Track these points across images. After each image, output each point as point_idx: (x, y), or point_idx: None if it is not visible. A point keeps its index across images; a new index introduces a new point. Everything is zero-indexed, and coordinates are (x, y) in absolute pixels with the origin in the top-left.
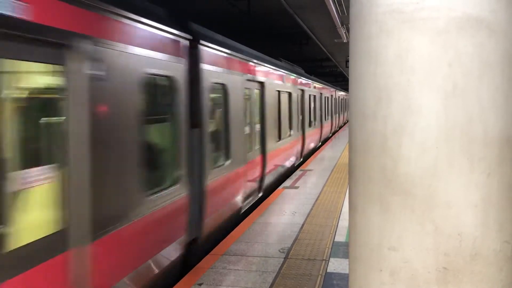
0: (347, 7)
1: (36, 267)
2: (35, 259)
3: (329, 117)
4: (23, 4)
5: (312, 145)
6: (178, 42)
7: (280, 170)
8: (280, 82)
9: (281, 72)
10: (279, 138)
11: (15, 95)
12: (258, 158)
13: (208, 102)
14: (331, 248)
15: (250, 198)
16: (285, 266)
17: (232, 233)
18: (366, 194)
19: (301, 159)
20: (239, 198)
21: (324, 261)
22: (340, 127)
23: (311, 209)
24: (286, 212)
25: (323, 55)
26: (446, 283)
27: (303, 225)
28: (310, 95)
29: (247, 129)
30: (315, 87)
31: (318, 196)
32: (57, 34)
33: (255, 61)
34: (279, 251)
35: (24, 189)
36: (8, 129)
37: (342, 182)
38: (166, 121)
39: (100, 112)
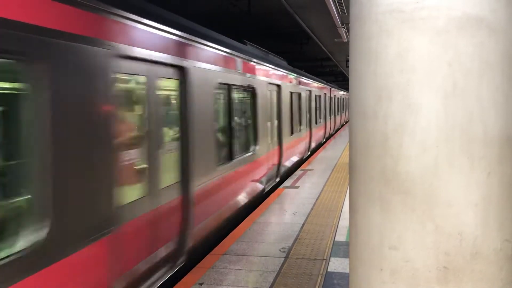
0: (347, 7)
1: (171, 200)
2: (169, 195)
3: (333, 115)
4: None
5: (318, 140)
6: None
7: (293, 160)
8: (291, 84)
9: (293, 75)
10: (292, 133)
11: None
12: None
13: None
14: (332, 247)
15: (271, 180)
16: (286, 266)
17: (233, 232)
18: (366, 193)
19: (309, 153)
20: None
21: (324, 261)
22: (342, 125)
23: (312, 208)
24: (287, 212)
25: (323, 54)
26: (446, 282)
27: (303, 224)
28: (316, 95)
29: (270, 124)
30: (320, 88)
31: (319, 196)
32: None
33: (272, 66)
34: (280, 250)
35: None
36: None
37: (342, 182)
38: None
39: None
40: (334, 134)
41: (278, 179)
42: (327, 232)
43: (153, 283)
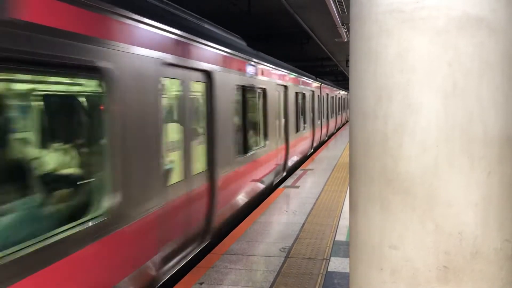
0: (348, 7)
1: (201, 185)
2: (199, 181)
3: (334, 114)
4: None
5: (320, 138)
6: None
7: (298, 156)
8: (297, 85)
9: (299, 77)
10: (297, 130)
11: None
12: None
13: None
14: (332, 247)
15: (279, 174)
16: (286, 265)
17: (233, 232)
18: (366, 193)
19: (312, 150)
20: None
21: (324, 260)
22: (343, 124)
23: (312, 208)
24: (287, 212)
25: (323, 54)
26: (446, 281)
27: (303, 224)
28: (319, 96)
29: (279, 122)
30: (323, 89)
31: (319, 196)
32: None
33: (281, 69)
34: (280, 250)
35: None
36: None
37: (342, 182)
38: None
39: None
40: (335, 132)
41: (284, 174)
42: (327, 232)
43: (184, 257)
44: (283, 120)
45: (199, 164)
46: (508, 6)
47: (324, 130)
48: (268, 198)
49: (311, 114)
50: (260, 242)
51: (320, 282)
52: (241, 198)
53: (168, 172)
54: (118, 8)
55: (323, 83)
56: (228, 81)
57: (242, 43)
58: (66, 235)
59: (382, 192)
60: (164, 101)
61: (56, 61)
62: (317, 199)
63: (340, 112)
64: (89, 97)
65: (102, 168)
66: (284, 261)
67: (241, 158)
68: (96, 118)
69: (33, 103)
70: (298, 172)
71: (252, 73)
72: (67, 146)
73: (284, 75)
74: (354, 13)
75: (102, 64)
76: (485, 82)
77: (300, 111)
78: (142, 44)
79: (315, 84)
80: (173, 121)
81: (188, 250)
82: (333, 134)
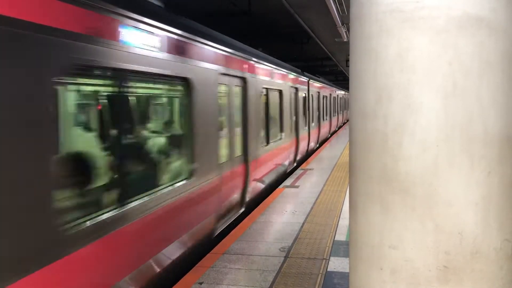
0: (348, 6)
1: (238, 166)
2: (237, 162)
3: (336, 113)
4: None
5: (324, 135)
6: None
7: (306, 149)
8: (305, 87)
9: (324, 85)
10: (306, 126)
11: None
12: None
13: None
14: (332, 247)
15: (290, 165)
16: (286, 265)
17: (233, 232)
18: (366, 193)
19: (317, 145)
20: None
21: (324, 260)
22: (344, 123)
23: (312, 208)
24: (287, 211)
25: (323, 54)
26: (446, 281)
27: (303, 224)
28: (324, 96)
29: (291, 118)
30: (327, 89)
31: (319, 195)
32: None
33: (294, 73)
34: (280, 250)
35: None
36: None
37: (342, 181)
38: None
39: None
40: (337, 130)
41: (295, 164)
42: (327, 232)
43: (228, 219)
44: (294, 117)
45: (237, 149)
46: (508, 5)
47: (326, 128)
48: (268, 198)
49: (317, 112)
50: (260, 241)
51: (319, 282)
52: (265, 180)
53: (219, 153)
54: (195, 36)
55: (325, 84)
56: (256, 85)
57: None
58: (174, 187)
59: (382, 192)
60: (219, 101)
61: (171, 75)
62: (316, 199)
63: (342, 112)
64: (181, 97)
65: (188, 145)
66: (283, 261)
67: (265, 147)
68: (185, 112)
69: (155, 104)
70: (298, 171)
71: (271, 77)
72: (168, 130)
73: (295, 79)
74: (354, 13)
75: (188, 75)
76: (485, 81)
77: (308, 110)
78: (207, 60)
79: (319, 85)
80: (223, 115)
81: (230, 215)
82: (335, 132)
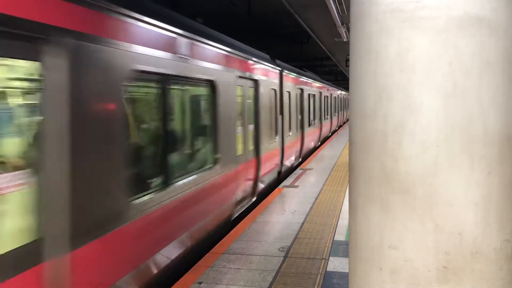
0: (348, 6)
1: (251, 159)
2: (250, 155)
3: (337, 113)
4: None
5: (326, 133)
6: (276, 72)
7: (309, 146)
8: (309, 88)
9: (309, 80)
10: (309, 125)
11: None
12: (300, 135)
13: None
14: (331, 247)
15: (295, 160)
16: (285, 265)
17: (232, 231)
18: (366, 193)
19: (319, 143)
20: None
21: (324, 260)
22: (344, 123)
23: (311, 208)
24: (286, 211)
25: (323, 54)
26: (446, 281)
27: (303, 224)
28: (325, 96)
29: (296, 116)
30: (329, 90)
31: (318, 195)
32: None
33: (296, 74)
34: (279, 249)
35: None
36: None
37: (342, 181)
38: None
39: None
40: (337, 130)
41: (300, 159)
42: (327, 232)
43: (242, 206)
44: (299, 116)
45: (250, 144)
46: (508, 5)
47: (328, 127)
48: (268, 197)
49: (320, 111)
50: (259, 241)
51: (319, 282)
52: (273, 173)
53: (236, 146)
54: (219, 45)
55: (326, 84)
56: (267, 86)
57: (267, 57)
58: (203, 172)
59: (381, 192)
60: (237, 100)
61: (202, 78)
62: (316, 199)
63: (343, 111)
64: (208, 97)
65: (214, 137)
66: (283, 261)
67: (272, 144)
68: (212, 110)
69: (192, 103)
70: (298, 171)
71: (276, 80)
72: (203, 124)
73: (299, 80)
74: (354, 13)
75: (213, 78)
76: (485, 81)
77: (312, 109)
78: (228, 65)
79: (320, 85)
80: (239, 113)
81: (244, 202)
82: (335, 131)
